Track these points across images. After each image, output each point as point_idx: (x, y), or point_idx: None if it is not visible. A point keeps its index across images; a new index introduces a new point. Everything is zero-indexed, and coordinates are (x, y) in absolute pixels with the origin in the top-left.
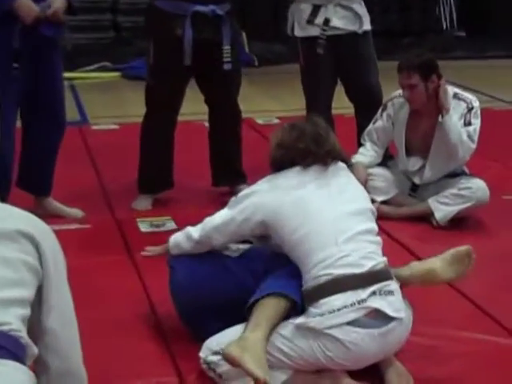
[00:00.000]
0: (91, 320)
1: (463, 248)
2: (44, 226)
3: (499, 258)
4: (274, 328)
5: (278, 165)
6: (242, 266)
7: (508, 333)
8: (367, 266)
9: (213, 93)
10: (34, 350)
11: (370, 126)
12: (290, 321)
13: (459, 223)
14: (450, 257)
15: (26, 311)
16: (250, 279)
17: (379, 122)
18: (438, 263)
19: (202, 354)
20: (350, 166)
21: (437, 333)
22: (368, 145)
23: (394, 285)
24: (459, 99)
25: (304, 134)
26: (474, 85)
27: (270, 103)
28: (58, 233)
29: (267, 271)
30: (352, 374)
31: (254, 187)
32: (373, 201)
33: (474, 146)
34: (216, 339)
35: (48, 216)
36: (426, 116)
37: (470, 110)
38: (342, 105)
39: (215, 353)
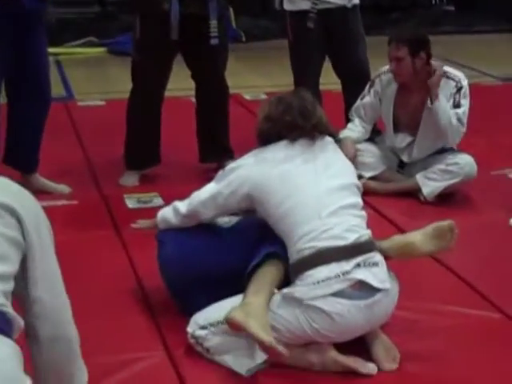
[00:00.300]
0: (78, 295)
1: (445, 222)
2: (25, 196)
3: (486, 232)
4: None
5: (265, 138)
6: (236, 234)
7: (493, 306)
8: (351, 238)
9: (200, 68)
10: (20, 322)
11: (358, 102)
12: (277, 293)
13: (447, 199)
14: (431, 230)
15: (9, 286)
16: (245, 247)
17: (367, 98)
18: (418, 237)
19: (189, 329)
20: (339, 141)
21: (422, 307)
22: (356, 120)
23: (378, 256)
24: (448, 78)
25: (291, 107)
26: (463, 60)
27: (257, 79)
28: (45, 209)
29: (262, 239)
30: (338, 347)
31: (240, 161)
32: (360, 176)
33: (463, 129)
34: (203, 314)
35: (35, 192)
36: (415, 93)
37: (459, 89)
38: (329, 80)
39: (202, 327)
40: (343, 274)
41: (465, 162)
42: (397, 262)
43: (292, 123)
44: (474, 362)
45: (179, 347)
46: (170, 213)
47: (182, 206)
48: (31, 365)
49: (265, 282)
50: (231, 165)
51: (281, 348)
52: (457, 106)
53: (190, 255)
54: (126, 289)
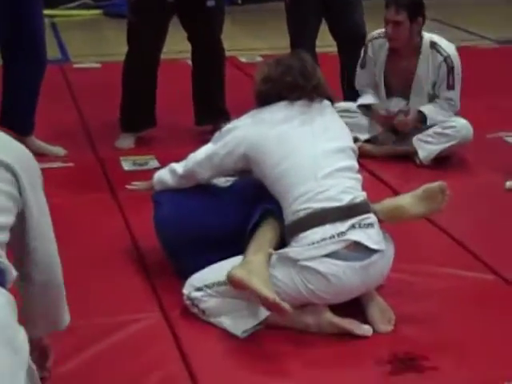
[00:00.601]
0: (74, 256)
1: (436, 184)
2: (22, 152)
3: (481, 195)
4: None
5: (264, 99)
6: (233, 195)
7: (487, 268)
8: (346, 199)
9: (196, 30)
10: (13, 273)
11: (359, 71)
12: (272, 253)
13: (442, 162)
14: (421, 193)
15: (5, 236)
16: (242, 207)
17: (365, 65)
18: (407, 199)
19: (185, 291)
20: (369, 109)
21: (416, 269)
22: (366, 89)
23: (373, 218)
24: (436, 51)
25: (291, 68)
26: (459, 22)
27: (253, 42)
28: (40, 171)
29: (259, 199)
30: (334, 309)
31: (237, 122)
32: (356, 139)
33: (457, 108)
34: (199, 276)
35: None
36: (404, 58)
37: (450, 69)
38: (325, 43)
39: (198, 289)
40: (338, 235)
41: (461, 125)
42: (391, 224)
43: (292, 83)
44: (468, 324)
45: (175, 309)
46: (166, 174)
47: (179, 167)
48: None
49: (265, 241)
50: (228, 126)
51: (284, 304)
52: (451, 87)
53: (186, 215)
54: (122, 250)
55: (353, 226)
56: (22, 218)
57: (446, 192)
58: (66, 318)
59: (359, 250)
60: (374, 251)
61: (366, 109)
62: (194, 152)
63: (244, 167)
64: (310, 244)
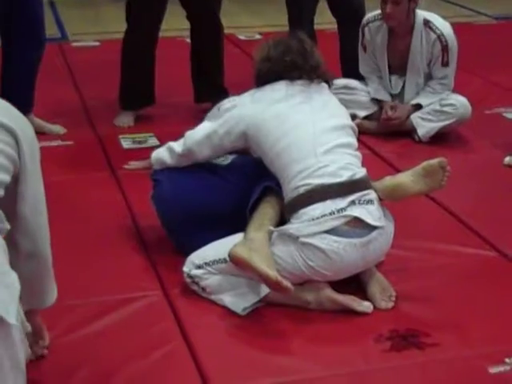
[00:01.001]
0: (73, 234)
1: (435, 160)
2: (23, 120)
3: (480, 171)
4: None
5: (263, 78)
6: (233, 172)
7: (487, 245)
8: (346, 175)
9: (194, 8)
10: (7, 225)
11: (361, 55)
12: (273, 230)
13: (441, 138)
14: (421, 170)
15: (0, 192)
16: (243, 184)
17: (366, 49)
18: (408, 177)
19: (185, 269)
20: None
21: (417, 245)
22: (371, 76)
23: (373, 194)
24: (430, 28)
25: (290, 48)
26: None
27: (251, 19)
28: (40, 149)
29: (259, 175)
30: (334, 286)
31: (235, 100)
32: (355, 116)
33: (450, 88)
34: (199, 253)
35: None
36: (400, 36)
37: (445, 47)
38: (323, 20)
39: (199, 266)
40: (338, 211)
41: (460, 103)
42: (391, 202)
43: (292, 63)
44: (469, 300)
45: (175, 286)
46: (164, 153)
47: (178, 145)
48: None
49: (266, 218)
50: (226, 105)
51: (285, 283)
52: (445, 64)
53: (186, 193)
54: (122, 228)
55: (353, 202)
56: (16, 181)
57: (447, 168)
58: (52, 295)
59: (359, 226)
60: (374, 228)
61: (378, 101)
62: (192, 130)
63: (243, 146)
64: (310, 220)
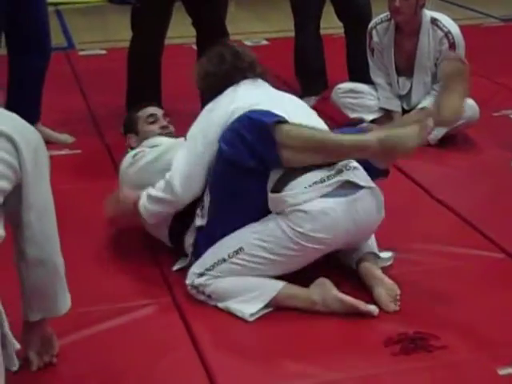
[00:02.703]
0: (82, 242)
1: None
2: (27, 129)
3: (488, 173)
4: None
5: (210, 93)
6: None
7: (495, 246)
8: None
9: (200, 15)
10: (1, 233)
11: (371, 61)
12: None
13: (448, 140)
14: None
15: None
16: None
17: (374, 53)
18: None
19: (188, 281)
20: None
21: (424, 248)
22: (382, 84)
23: (356, 163)
24: (437, 26)
25: (223, 55)
26: (463, 1)
27: (257, 25)
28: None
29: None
30: (340, 289)
31: (196, 124)
32: (362, 120)
33: None
34: (198, 264)
35: None
36: (407, 37)
37: (452, 44)
38: (330, 25)
39: (200, 274)
40: (328, 178)
41: (467, 106)
42: (397, 202)
43: (231, 68)
44: (477, 303)
45: (184, 294)
46: (156, 206)
47: (162, 193)
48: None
49: None
50: (190, 132)
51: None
52: None
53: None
54: (130, 236)
55: (340, 170)
56: (19, 189)
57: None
58: (65, 303)
59: (347, 187)
60: (362, 187)
61: (388, 111)
62: (171, 171)
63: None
64: (303, 189)
